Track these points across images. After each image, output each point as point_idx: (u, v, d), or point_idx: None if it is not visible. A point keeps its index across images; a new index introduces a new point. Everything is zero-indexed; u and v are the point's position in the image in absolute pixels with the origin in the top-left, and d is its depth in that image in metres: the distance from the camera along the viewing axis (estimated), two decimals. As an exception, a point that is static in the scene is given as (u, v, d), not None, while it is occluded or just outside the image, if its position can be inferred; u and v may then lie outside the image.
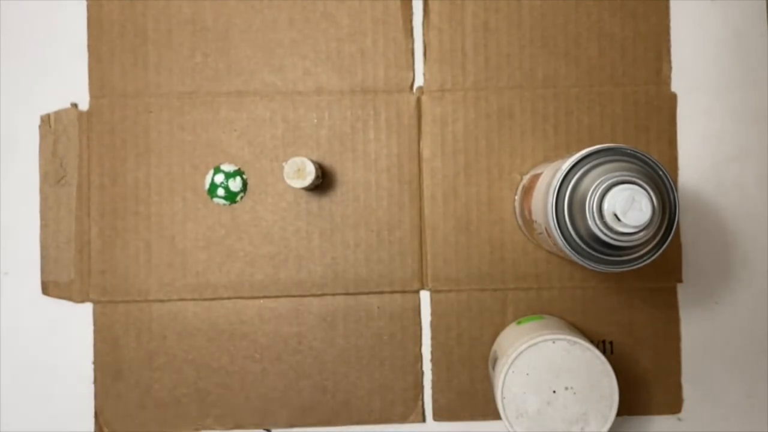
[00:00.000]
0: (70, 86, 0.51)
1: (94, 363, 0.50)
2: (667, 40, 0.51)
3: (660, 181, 0.38)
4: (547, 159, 0.50)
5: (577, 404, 0.41)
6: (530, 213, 0.44)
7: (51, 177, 0.50)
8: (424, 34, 0.51)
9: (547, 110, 0.50)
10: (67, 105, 0.51)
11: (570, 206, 0.37)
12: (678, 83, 0.51)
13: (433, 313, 0.50)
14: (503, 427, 0.50)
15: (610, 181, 0.36)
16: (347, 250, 0.50)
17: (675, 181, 0.50)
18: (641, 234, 0.36)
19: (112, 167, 0.50)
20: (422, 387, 0.50)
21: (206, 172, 0.50)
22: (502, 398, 0.41)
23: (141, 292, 0.50)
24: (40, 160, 0.50)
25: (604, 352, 0.50)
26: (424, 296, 0.50)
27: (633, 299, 0.50)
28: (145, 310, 0.50)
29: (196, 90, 0.51)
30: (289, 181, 0.46)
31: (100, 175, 0.50)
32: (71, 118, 0.50)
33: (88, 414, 0.50)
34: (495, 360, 0.46)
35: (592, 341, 0.50)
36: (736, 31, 0.52)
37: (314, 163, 0.47)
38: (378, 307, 0.50)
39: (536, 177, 0.44)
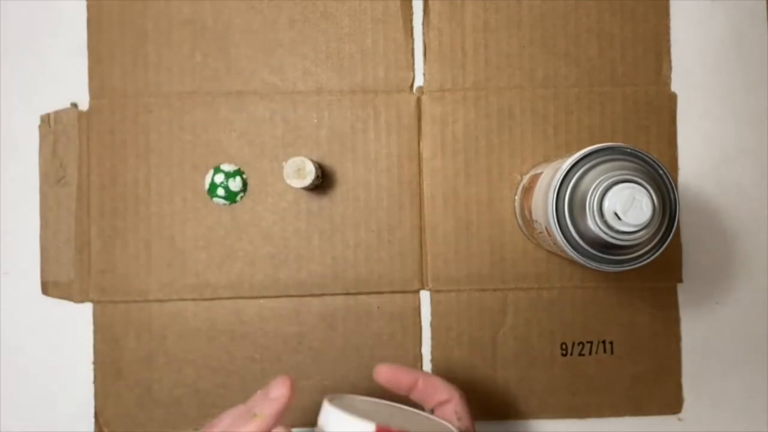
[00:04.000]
0: (70, 86, 0.51)
1: (94, 363, 0.50)
2: (667, 40, 0.51)
3: (660, 180, 0.38)
4: (547, 159, 0.50)
5: None
6: (530, 213, 0.44)
7: (51, 177, 0.50)
8: (424, 34, 0.51)
9: (547, 110, 0.50)
10: (67, 105, 0.51)
11: (570, 205, 0.37)
12: (678, 83, 0.51)
13: (433, 313, 0.50)
14: (504, 428, 0.50)
15: (610, 180, 0.36)
16: (347, 250, 0.50)
17: (675, 181, 0.50)
18: (641, 233, 0.36)
19: (112, 167, 0.50)
20: (422, 387, 0.50)
21: (206, 172, 0.50)
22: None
23: (141, 292, 0.50)
24: (40, 160, 0.50)
25: (604, 352, 0.50)
26: (424, 296, 0.50)
27: (633, 299, 0.50)
28: (145, 310, 0.50)
29: (196, 90, 0.51)
30: (289, 181, 0.46)
31: (100, 175, 0.50)
32: (71, 118, 0.50)
33: (88, 414, 0.50)
34: None
35: (591, 341, 0.50)
36: (736, 31, 0.52)
37: (314, 163, 0.47)
38: (378, 307, 0.50)
39: (536, 177, 0.44)
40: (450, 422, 0.39)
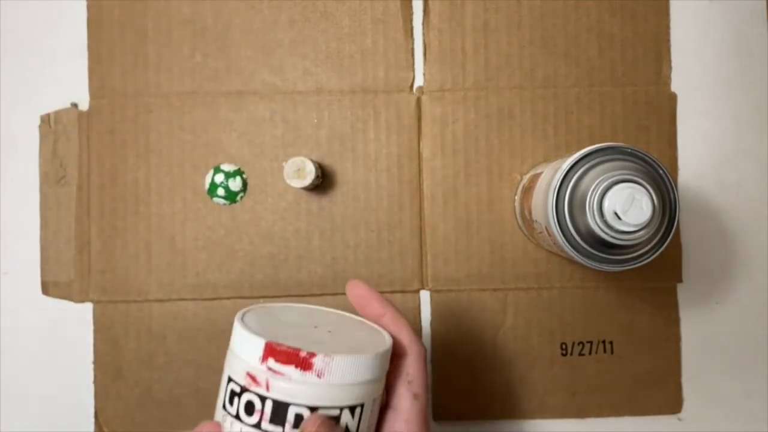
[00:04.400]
0: (70, 86, 0.51)
1: (94, 363, 0.50)
2: (667, 40, 0.51)
3: (660, 180, 0.38)
4: (547, 159, 0.50)
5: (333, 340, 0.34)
6: (530, 212, 0.44)
7: (51, 177, 0.50)
8: (424, 34, 0.51)
9: (547, 110, 0.50)
10: (67, 105, 0.51)
11: (570, 205, 0.37)
12: (678, 83, 0.51)
13: (433, 313, 0.50)
14: (504, 428, 0.50)
15: (610, 180, 0.36)
16: (347, 250, 0.50)
17: (675, 181, 0.50)
18: (641, 233, 0.36)
19: (112, 167, 0.50)
20: (422, 387, 0.50)
21: (206, 172, 0.50)
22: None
23: (141, 292, 0.50)
24: (40, 160, 0.50)
25: (604, 352, 0.50)
26: (424, 296, 0.50)
27: (633, 299, 0.50)
28: (145, 310, 0.50)
29: (196, 90, 0.51)
30: (289, 181, 0.46)
31: (100, 175, 0.50)
32: (71, 118, 0.50)
33: (88, 414, 0.50)
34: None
35: (591, 341, 0.50)
36: (736, 31, 0.52)
37: (314, 163, 0.47)
38: (378, 307, 0.50)
39: (536, 177, 0.44)
40: (398, 384, 0.35)
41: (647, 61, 0.51)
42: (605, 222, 0.36)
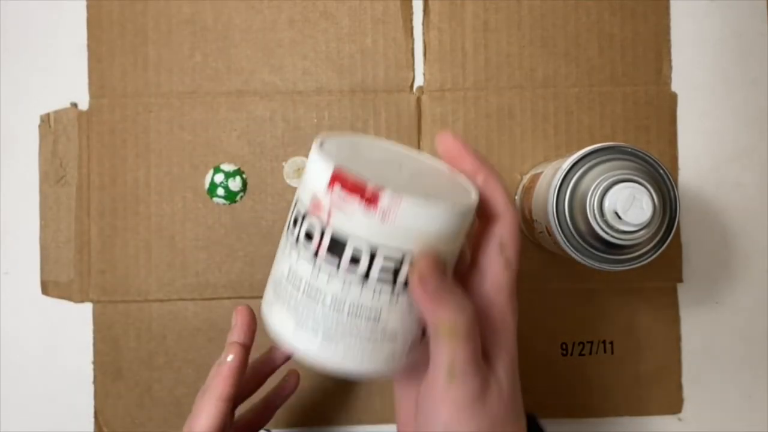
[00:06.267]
0: (70, 86, 0.51)
1: (94, 363, 0.50)
2: (667, 40, 0.51)
3: (661, 179, 0.38)
4: (547, 159, 0.50)
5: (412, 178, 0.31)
6: (531, 212, 0.44)
7: (51, 177, 0.50)
8: (424, 34, 0.51)
9: (547, 110, 0.50)
10: (67, 105, 0.51)
11: (571, 204, 0.37)
12: (678, 83, 0.51)
13: (433, 313, 0.50)
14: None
15: (611, 180, 0.36)
16: (347, 250, 0.50)
17: (675, 181, 0.50)
18: (642, 232, 0.36)
19: (112, 167, 0.50)
20: (422, 387, 0.50)
21: (206, 172, 0.50)
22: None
23: (141, 292, 0.50)
24: (40, 160, 0.50)
25: (604, 352, 0.50)
26: (424, 296, 0.50)
27: (633, 299, 0.50)
28: (145, 310, 0.50)
29: (196, 90, 0.51)
30: (288, 181, 0.46)
31: (100, 175, 0.50)
32: (71, 118, 0.50)
33: (88, 414, 0.50)
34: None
35: (591, 341, 0.50)
36: (736, 31, 0.52)
37: (314, 162, 0.47)
38: (378, 307, 0.50)
39: (536, 176, 0.44)
40: (489, 248, 0.32)
41: (647, 61, 0.51)
42: (605, 222, 0.36)
